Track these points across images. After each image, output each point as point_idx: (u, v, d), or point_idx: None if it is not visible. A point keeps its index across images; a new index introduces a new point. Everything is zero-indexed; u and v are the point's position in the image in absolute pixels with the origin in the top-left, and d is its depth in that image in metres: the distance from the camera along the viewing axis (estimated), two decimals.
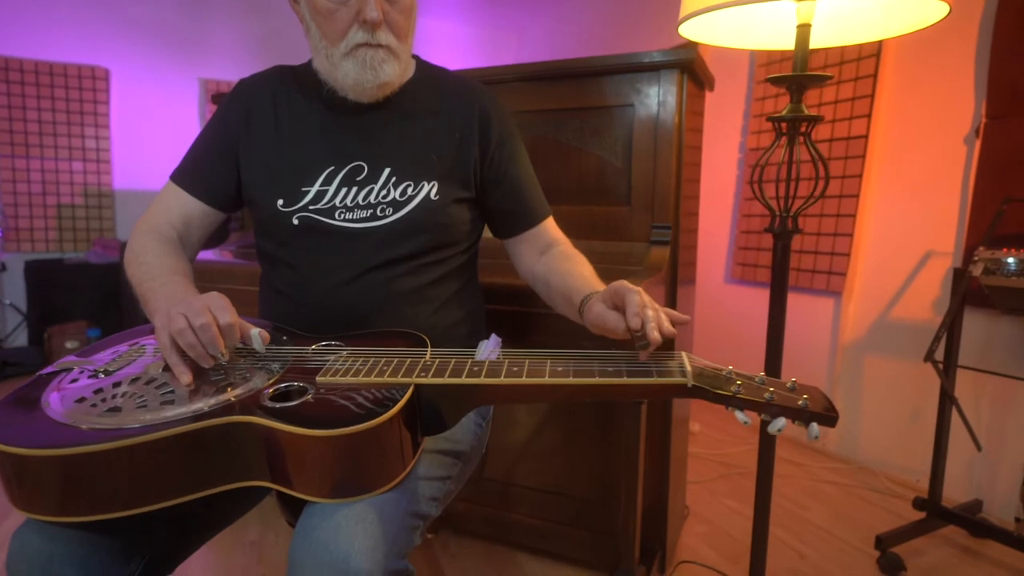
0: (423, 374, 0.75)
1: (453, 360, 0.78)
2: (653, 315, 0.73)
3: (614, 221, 1.46)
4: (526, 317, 1.29)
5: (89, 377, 0.78)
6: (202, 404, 0.70)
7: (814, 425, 0.69)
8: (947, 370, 1.67)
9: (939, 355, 1.64)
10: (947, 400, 1.68)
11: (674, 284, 1.46)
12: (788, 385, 0.72)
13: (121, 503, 0.67)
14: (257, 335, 0.79)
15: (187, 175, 1.01)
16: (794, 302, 2.51)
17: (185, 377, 0.74)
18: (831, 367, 2.46)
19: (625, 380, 0.72)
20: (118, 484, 0.66)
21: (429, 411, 0.76)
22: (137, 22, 4.05)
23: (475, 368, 0.76)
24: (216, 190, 1.00)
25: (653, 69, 1.37)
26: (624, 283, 0.77)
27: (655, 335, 0.72)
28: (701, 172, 1.68)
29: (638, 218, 1.43)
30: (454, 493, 0.93)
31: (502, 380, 0.73)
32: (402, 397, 0.71)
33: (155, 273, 0.89)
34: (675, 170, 1.39)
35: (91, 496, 0.66)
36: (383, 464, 0.70)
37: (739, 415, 0.70)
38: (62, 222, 4.01)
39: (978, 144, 1.96)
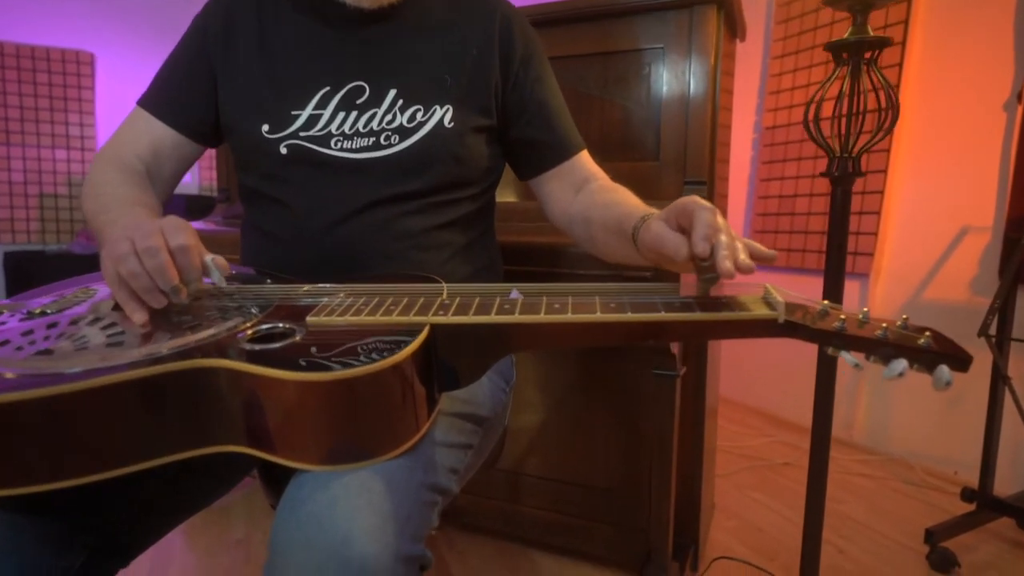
0: (441, 312, 0.60)
1: (477, 297, 0.63)
2: (727, 241, 0.57)
3: (641, 178, 1.31)
4: (548, 279, 1.14)
5: (20, 320, 0.62)
6: (159, 346, 0.55)
7: (943, 369, 0.53)
8: (999, 346, 1.52)
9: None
10: (1000, 380, 1.54)
11: None
12: (899, 323, 0.58)
13: (51, 473, 0.51)
14: (211, 261, 0.63)
15: (156, 98, 0.86)
16: (816, 285, 2.37)
17: (138, 315, 0.59)
18: None
19: (699, 316, 0.57)
20: (47, 448, 0.51)
21: (446, 362, 0.61)
22: (123, 5, 3.89)
23: (506, 306, 0.61)
24: (190, 115, 0.85)
25: (685, 6, 1.23)
26: (694, 198, 0.62)
27: (727, 265, 0.55)
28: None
29: (668, 174, 1.29)
30: (474, 469, 0.77)
31: (543, 318, 0.58)
32: (416, 336, 0.56)
33: (111, 205, 0.73)
34: (710, 119, 1.25)
35: (11, 464, 0.51)
36: (392, 422, 0.55)
37: (846, 356, 0.55)
38: (44, 212, 3.84)
39: (1020, 110, 1.83)
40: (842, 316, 0.56)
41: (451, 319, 0.59)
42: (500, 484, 1.50)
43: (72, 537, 0.60)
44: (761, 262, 0.59)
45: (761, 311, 0.57)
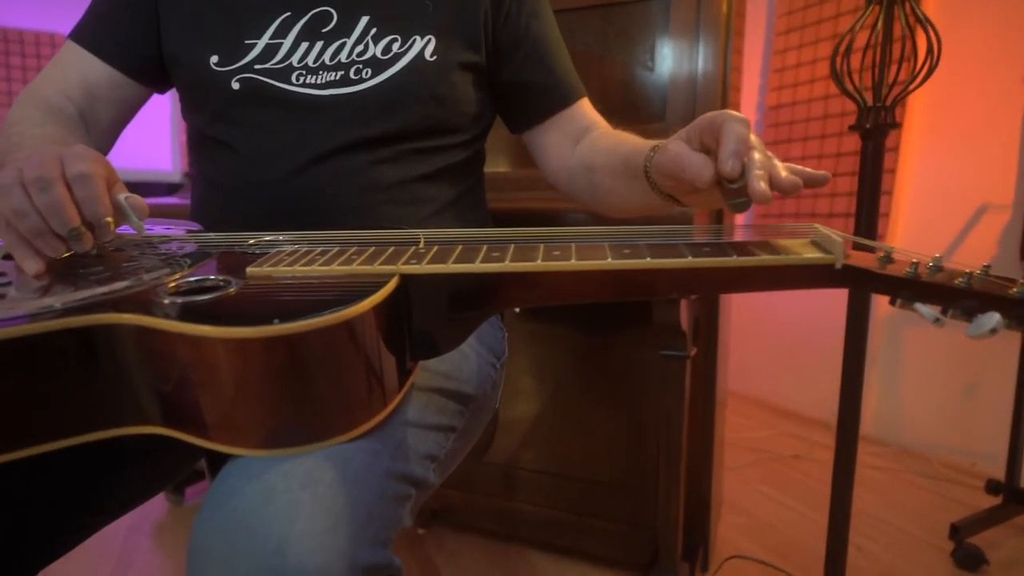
0: (414, 262, 0.48)
1: (460, 245, 0.51)
2: (762, 159, 0.46)
3: None
4: None
5: None
6: (52, 300, 0.43)
7: None
8: None
9: None
10: None
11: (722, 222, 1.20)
12: (979, 272, 0.46)
13: None
14: (124, 200, 0.51)
15: (90, 30, 0.74)
16: None
17: (30, 264, 0.47)
18: (868, 346, 2.21)
19: (736, 261, 0.46)
20: None
21: (421, 323, 0.50)
22: None
23: (495, 254, 0.49)
24: (129, 49, 0.73)
25: None
26: (725, 111, 0.50)
27: (760, 186, 0.44)
28: None
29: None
30: (459, 457, 0.65)
31: (541, 265, 0.47)
32: (381, 288, 0.44)
33: (25, 143, 0.61)
34: (722, 76, 1.13)
35: None
36: (348, 394, 0.43)
37: (923, 310, 0.44)
38: None
39: None
40: (914, 260, 0.45)
41: (425, 268, 0.47)
42: (493, 479, 1.39)
43: None
44: (810, 185, 0.48)
45: (811, 254, 0.46)
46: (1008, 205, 1.83)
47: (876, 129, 0.89)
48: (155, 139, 3.57)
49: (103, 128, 0.76)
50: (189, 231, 0.67)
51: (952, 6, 1.97)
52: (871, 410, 2.19)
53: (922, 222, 2.05)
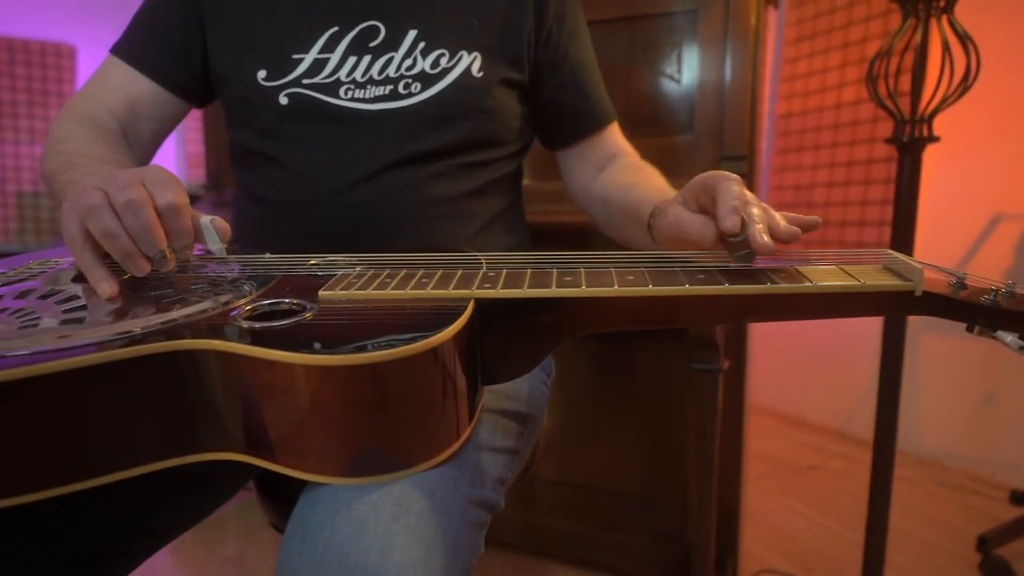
0: (487, 286, 0.47)
1: (529, 270, 0.51)
2: (760, 213, 0.48)
3: (672, 154, 1.20)
4: None
5: None
6: (132, 324, 0.42)
7: None
8: None
9: None
10: None
11: None
12: None
13: None
14: (210, 223, 0.51)
15: (134, 46, 0.73)
16: None
17: (106, 286, 0.47)
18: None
19: (817, 287, 0.45)
20: None
21: (492, 348, 0.49)
22: None
23: (567, 278, 0.48)
24: (174, 65, 0.73)
25: None
26: (714, 172, 0.52)
27: (762, 239, 0.46)
28: None
29: (703, 149, 1.17)
30: (514, 479, 0.65)
31: (619, 291, 0.46)
32: (460, 314, 0.44)
33: (78, 162, 0.61)
34: (750, 87, 1.13)
35: None
36: (432, 420, 0.43)
37: (1006, 338, 0.43)
38: (23, 211, 3.68)
39: None
40: (993, 287, 0.45)
41: (500, 292, 0.47)
42: (514, 491, 1.37)
43: (22, 569, 0.47)
44: (806, 230, 0.50)
45: (889, 281, 0.46)
46: (1022, 215, 1.83)
47: (913, 143, 0.88)
48: (161, 149, 3.57)
49: (145, 143, 0.75)
50: (240, 251, 0.66)
51: (964, 15, 1.97)
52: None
53: (936, 232, 2.05)
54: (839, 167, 2.30)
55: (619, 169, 0.79)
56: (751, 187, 1.16)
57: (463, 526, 0.44)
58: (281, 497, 0.66)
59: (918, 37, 0.86)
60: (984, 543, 1.36)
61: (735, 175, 0.52)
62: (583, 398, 1.29)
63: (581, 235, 1.09)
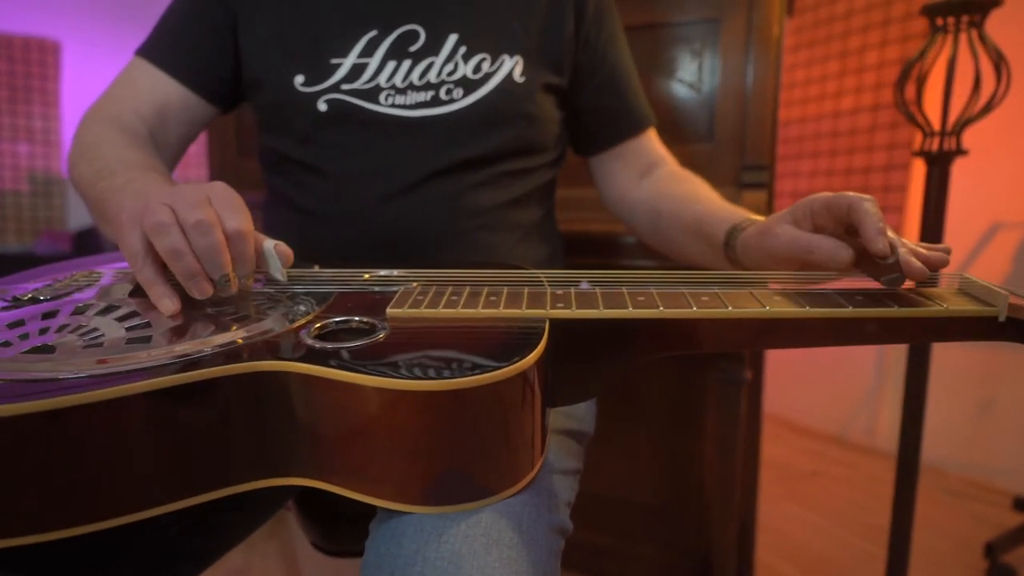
0: (561, 305, 0.46)
1: (598, 289, 0.49)
2: (899, 238, 0.48)
3: (692, 162, 1.17)
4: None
5: (3, 308, 0.47)
6: (200, 344, 0.40)
7: None
8: None
9: None
10: None
11: None
12: None
13: (44, 520, 0.36)
14: (272, 249, 0.49)
15: (162, 48, 0.71)
16: None
17: (168, 303, 0.44)
18: (879, 359, 2.24)
19: (899, 312, 0.44)
20: (43, 483, 0.36)
21: (561, 371, 0.47)
22: None
23: (640, 298, 0.47)
24: (204, 68, 0.70)
25: None
26: (845, 193, 0.50)
27: (917, 266, 0.46)
28: None
29: (724, 157, 1.17)
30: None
31: (698, 313, 0.45)
32: (539, 335, 0.42)
33: (117, 167, 0.58)
34: (771, 94, 1.13)
35: None
36: (515, 445, 0.41)
37: None
38: (5, 210, 3.59)
39: None
40: None
41: (576, 313, 0.45)
42: None
43: None
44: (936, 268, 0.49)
45: (969, 306, 0.45)
46: (1021, 223, 1.86)
47: (942, 156, 0.89)
48: None
49: (171, 147, 0.73)
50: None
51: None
52: (884, 424, 2.21)
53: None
54: (837, 175, 2.32)
55: (667, 178, 0.78)
56: (771, 197, 1.16)
57: (549, 555, 0.43)
58: (322, 517, 0.64)
59: (948, 50, 0.86)
60: (991, 550, 1.38)
61: (869, 196, 0.50)
62: (599, 408, 1.28)
63: (607, 245, 1.08)
